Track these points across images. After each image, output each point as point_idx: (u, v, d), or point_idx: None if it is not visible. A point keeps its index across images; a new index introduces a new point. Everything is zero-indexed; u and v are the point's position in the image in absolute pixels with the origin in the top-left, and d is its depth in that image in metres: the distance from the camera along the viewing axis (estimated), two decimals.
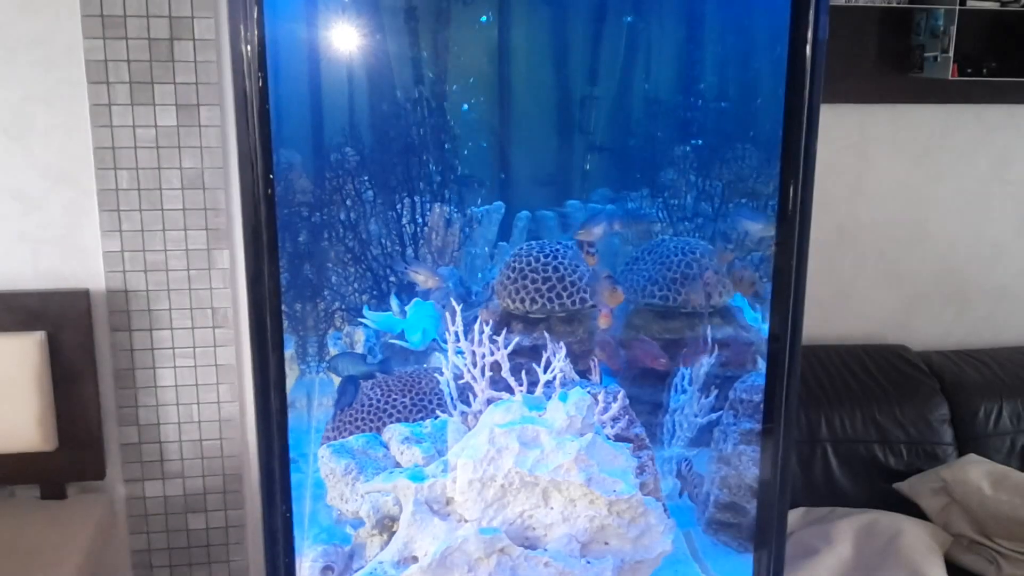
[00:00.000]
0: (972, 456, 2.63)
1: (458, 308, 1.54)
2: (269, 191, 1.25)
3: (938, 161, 2.90)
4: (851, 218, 2.89)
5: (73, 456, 2.57)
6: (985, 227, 2.98)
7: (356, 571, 1.41)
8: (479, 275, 1.97)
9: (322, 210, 1.91)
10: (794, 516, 2.51)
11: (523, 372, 1.51)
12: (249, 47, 1.30)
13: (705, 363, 1.77)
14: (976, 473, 2.51)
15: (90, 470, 2.61)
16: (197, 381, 2.64)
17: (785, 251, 1.45)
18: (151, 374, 2.61)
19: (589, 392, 1.43)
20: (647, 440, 1.65)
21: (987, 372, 2.85)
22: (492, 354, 1.51)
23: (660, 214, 2.04)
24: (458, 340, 1.55)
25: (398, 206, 1.96)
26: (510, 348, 1.50)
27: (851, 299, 2.96)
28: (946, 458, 2.70)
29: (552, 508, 1.35)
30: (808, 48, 1.46)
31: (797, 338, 1.42)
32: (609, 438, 1.48)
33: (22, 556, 2.27)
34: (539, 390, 1.51)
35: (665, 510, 1.39)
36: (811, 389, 2.72)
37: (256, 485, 2.72)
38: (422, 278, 1.81)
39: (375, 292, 1.92)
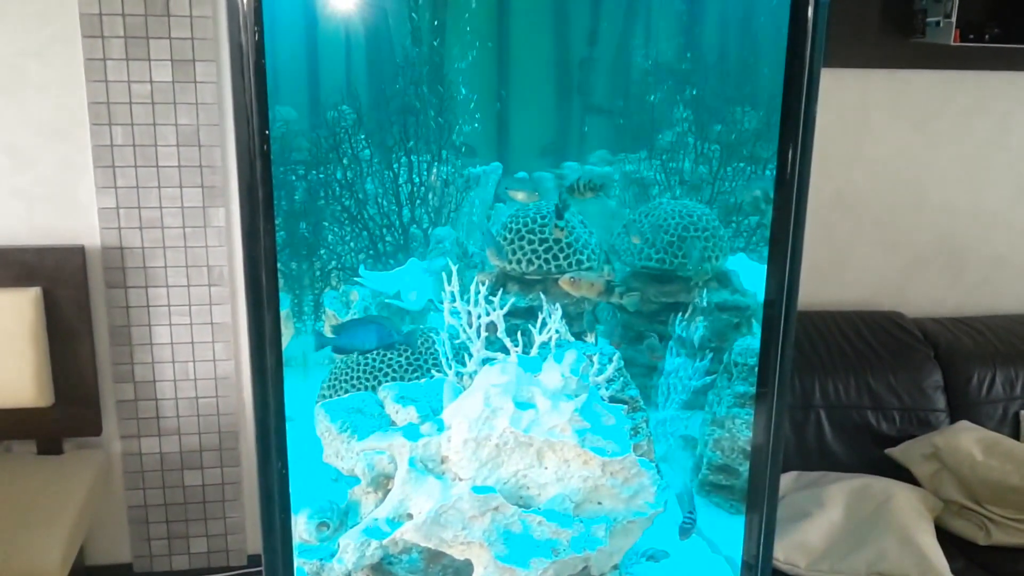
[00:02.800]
0: (964, 423, 2.64)
1: (454, 268, 1.54)
2: (265, 147, 1.24)
3: (937, 128, 2.89)
4: (849, 184, 2.88)
5: (69, 412, 2.58)
6: (983, 195, 2.98)
7: (351, 527, 1.42)
8: (476, 236, 1.96)
9: (318, 168, 1.90)
10: (786, 480, 2.52)
11: (519, 333, 1.51)
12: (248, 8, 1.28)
13: (700, 326, 1.77)
14: (968, 439, 2.52)
15: (86, 426, 2.62)
16: (193, 339, 2.64)
17: (783, 215, 1.44)
18: (147, 331, 2.62)
19: (584, 354, 1.44)
20: (641, 402, 1.66)
21: (981, 340, 2.85)
22: (488, 315, 1.51)
23: (658, 176, 2.03)
24: (454, 300, 1.55)
25: (395, 165, 1.95)
26: (506, 309, 1.50)
27: (847, 265, 2.96)
28: (938, 425, 2.71)
29: (546, 468, 1.36)
30: (810, 10, 1.45)
31: (792, 303, 1.41)
32: (603, 399, 1.49)
33: (19, 511, 2.28)
34: (534, 351, 1.51)
35: (658, 472, 1.40)
36: (806, 355, 2.72)
37: (252, 443, 2.74)
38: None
39: (371, 252, 1.91)
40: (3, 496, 2.35)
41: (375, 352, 1.69)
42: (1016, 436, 2.68)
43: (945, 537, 2.33)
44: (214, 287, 2.61)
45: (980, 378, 2.77)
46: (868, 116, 2.84)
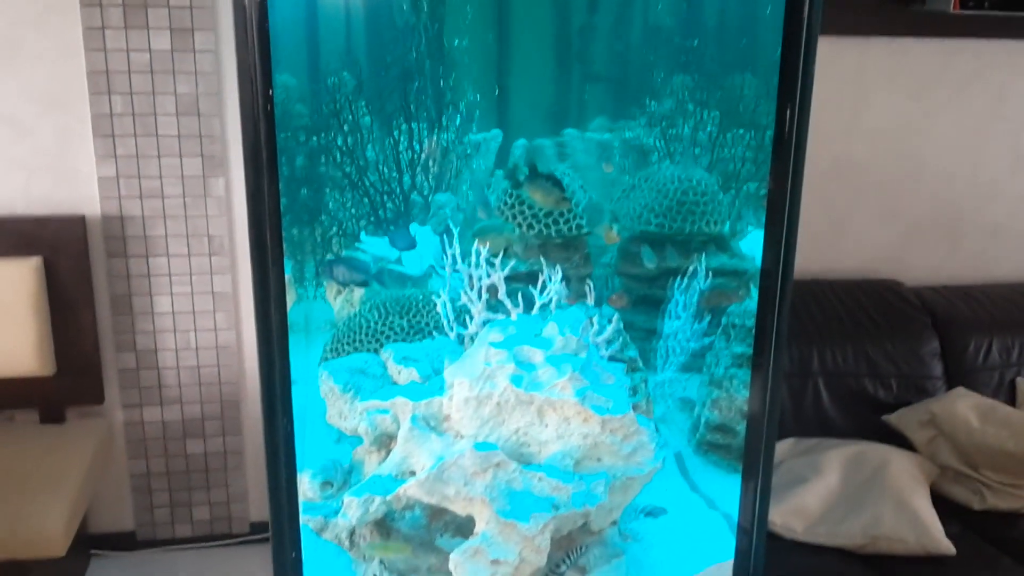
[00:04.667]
0: (961, 390, 2.66)
1: (455, 232, 1.55)
2: (268, 107, 1.24)
3: (936, 96, 2.89)
4: (847, 152, 2.88)
5: (71, 381, 2.60)
6: (981, 164, 2.98)
7: (354, 486, 1.44)
8: (476, 203, 1.97)
9: (319, 135, 1.90)
10: (784, 446, 2.54)
11: (519, 295, 1.52)
12: None
13: (699, 290, 1.78)
14: (964, 406, 2.54)
15: (88, 395, 2.64)
16: (194, 308, 2.65)
17: (779, 179, 1.44)
18: (148, 301, 2.63)
19: (585, 315, 1.45)
20: (640, 363, 1.67)
21: (979, 308, 2.87)
22: (489, 276, 1.52)
23: (657, 143, 2.03)
24: (455, 263, 1.56)
25: (395, 132, 1.95)
26: (507, 271, 1.51)
27: (845, 234, 2.97)
28: (935, 392, 2.73)
29: (547, 426, 1.38)
30: None
31: (789, 269, 1.42)
32: (603, 359, 1.50)
33: (22, 479, 2.30)
34: (535, 312, 1.53)
35: (657, 431, 1.42)
36: (803, 323, 2.74)
37: (254, 412, 2.76)
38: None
39: (372, 218, 1.92)
40: (6, 464, 2.37)
41: (377, 318, 1.70)
42: (1012, 403, 2.70)
43: (941, 502, 2.35)
44: (215, 256, 2.62)
45: (977, 346, 2.79)
46: (866, 85, 2.84)
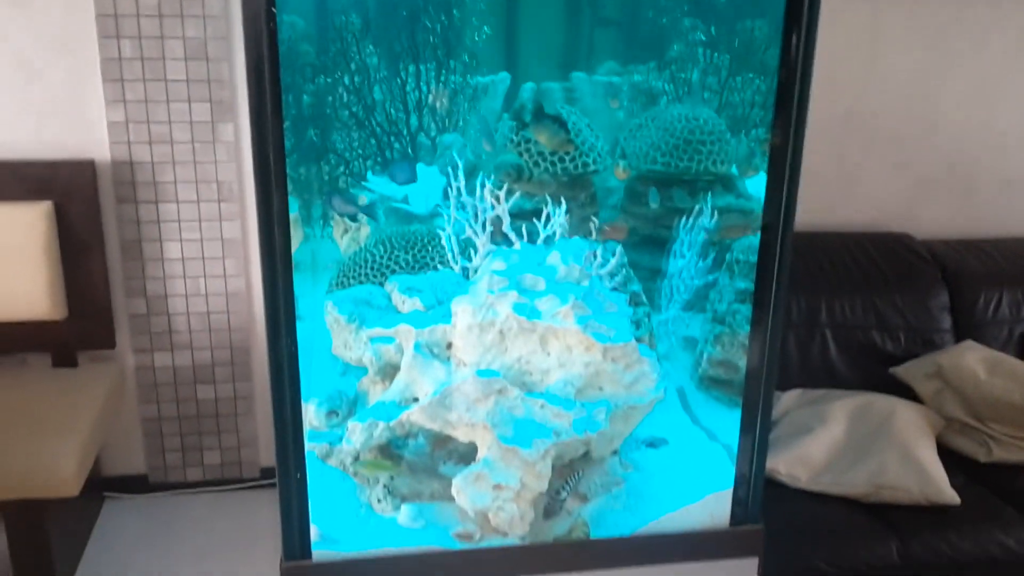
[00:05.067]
0: (969, 342, 2.65)
1: (460, 164, 1.55)
2: (272, 47, 1.24)
3: (950, 48, 2.85)
4: (860, 104, 2.86)
5: (83, 325, 2.62)
6: (995, 116, 2.95)
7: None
8: (481, 135, 1.96)
9: (326, 74, 1.90)
10: (790, 397, 2.55)
11: (523, 227, 1.52)
12: None
13: (704, 229, 1.78)
14: (972, 358, 2.54)
15: (100, 339, 2.66)
16: (204, 254, 2.66)
17: (784, 123, 1.42)
18: (157, 247, 2.64)
19: (588, 246, 1.45)
20: (644, 298, 1.68)
21: (989, 261, 2.85)
22: (493, 210, 1.52)
23: (667, 87, 2.02)
24: (460, 195, 1.56)
25: (402, 73, 1.94)
26: (511, 202, 1.51)
27: (857, 186, 2.95)
28: (943, 345, 2.73)
29: (549, 354, 1.38)
30: None
31: (791, 210, 1.41)
32: (606, 289, 1.50)
33: (35, 420, 2.33)
34: (539, 244, 1.53)
35: (659, 360, 1.42)
36: (813, 275, 2.73)
37: (264, 357, 2.78)
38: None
39: (379, 158, 1.92)
40: (19, 406, 2.40)
41: (383, 252, 1.71)
42: (1021, 356, 2.69)
43: (946, 454, 2.36)
44: (224, 203, 2.62)
45: (987, 299, 2.79)
46: (881, 35, 2.80)
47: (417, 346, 1.39)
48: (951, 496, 2.15)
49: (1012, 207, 3.05)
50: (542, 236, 1.51)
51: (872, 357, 2.72)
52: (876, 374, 2.69)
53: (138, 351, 2.74)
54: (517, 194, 1.55)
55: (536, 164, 1.75)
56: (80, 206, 2.52)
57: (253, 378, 2.81)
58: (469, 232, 1.56)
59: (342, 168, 1.90)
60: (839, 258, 2.80)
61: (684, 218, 1.80)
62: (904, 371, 2.64)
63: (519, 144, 1.79)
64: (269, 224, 1.28)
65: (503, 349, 1.38)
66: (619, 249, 1.57)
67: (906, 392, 2.58)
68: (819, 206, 2.91)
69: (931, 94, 2.88)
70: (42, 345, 2.62)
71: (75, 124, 2.51)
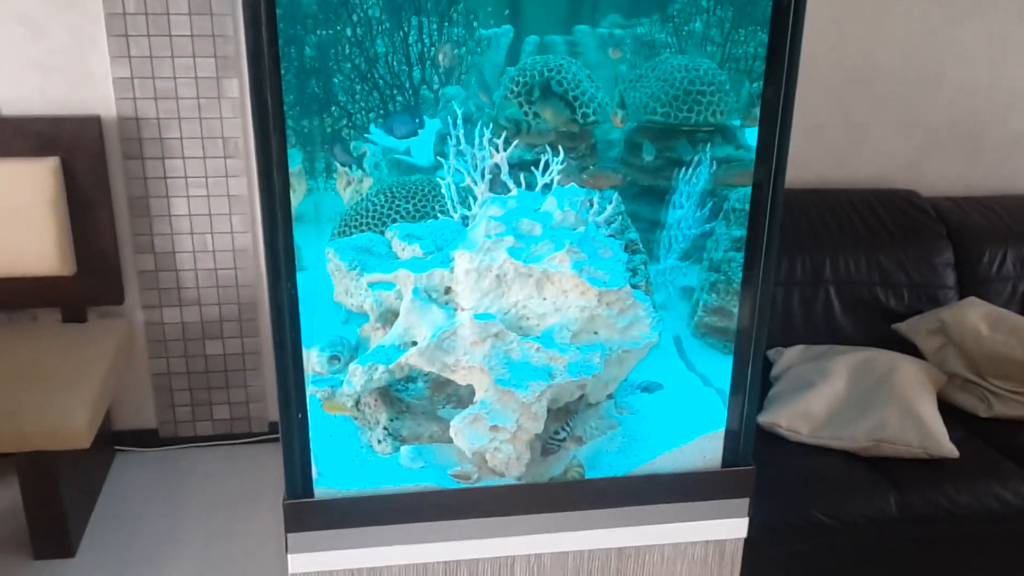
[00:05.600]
0: (972, 299, 2.66)
1: (459, 113, 1.56)
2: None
3: (958, 4, 2.82)
4: (867, 61, 2.84)
5: (91, 281, 2.66)
6: (1004, 72, 2.93)
7: None
8: (477, 87, 1.96)
9: (327, 26, 1.90)
10: (792, 353, 2.57)
11: (521, 176, 1.53)
12: None
13: (703, 179, 1.78)
14: (974, 315, 2.55)
15: (109, 295, 2.69)
16: (210, 211, 2.69)
17: (775, 67, 1.42)
18: (164, 203, 2.66)
19: (585, 194, 1.47)
20: (640, 246, 1.69)
21: (994, 218, 2.85)
22: (491, 157, 1.53)
23: (670, 39, 2.01)
24: (459, 144, 1.57)
25: (405, 25, 1.94)
26: (509, 150, 1.52)
27: (863, 143, 2.94)
28: (947, 302, 2.74)
29: (545, 298, 1.40)
30: None
31: (781, 169, 1.40)
32: (602, 234, 1.52)
33: (46, 374, 2.37)
34: (536, 190, 1.54)
35: (654, 306, 1.44)
36: (817, 232, 2.73)
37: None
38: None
39: (382, 111, 1.92)
40: (30, 361, 2.44)
41: (383, 201, 1.73)
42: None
43: (947, 409, 2.37)
44: (230, 159, 2.64)
45: (991, 256, 2.78)
46: None
47: (415, 291, 1.41)
48: (950, 449, 2.17)
49: (1018, 164, 3.04)
50: (540, 183, 1.52)
51: (875, 313, 2.73)
52: (879, 330, 2.70)
53: (147, 307, 2.77)
54: (516, 143, 1.56)
55: (536, 115, 1.75)
56: (86, 162, 2.54)
57: (261, 333, 2.84)
58: (468, 181, 1.57)
59: (345, 121, 1.90)
60: (844, 215, 2.80)
61: (684, 169, 1.81)
62: (907, 327, 2.65)
63: (519, 95, 1.79)
64: (269, 174, 1.29)
65: (500, 294, 1.40)
66: (615, 197, 1.58)
67: (909, 348, 2.59)
68: (825, 163, 2.91)
69: (938, 51, 2.86)
70: (51, 301, 2.66)
71: (80, 80, 2.53)
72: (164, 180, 2.64)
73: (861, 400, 2.30)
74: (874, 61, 2.84)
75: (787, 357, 2.55)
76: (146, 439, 2.92)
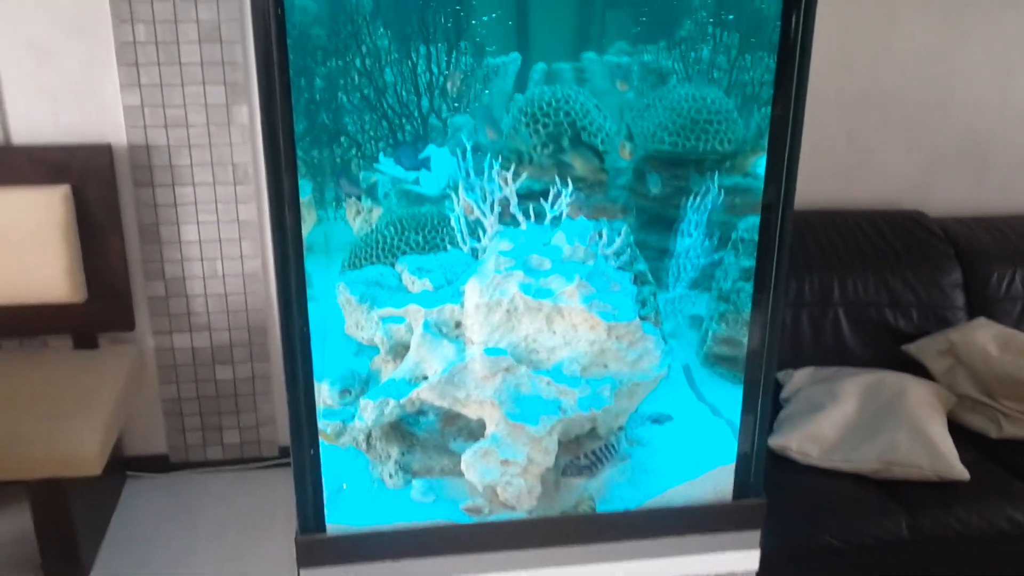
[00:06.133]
0: (981, 319, 2.66)
1: (468, 146, 1.57)
2: (280, 29, 1.26)
3: (966, 23, 2.83)
4: (874, 82, 2.85)
5: (102, 308, 2.67)
6: (1010, 93, 2.93)
7: None
8: (485, 123, 1.97)
9: (337, 57, 1.92)
10: (802, 375, 2.56)
11: (530, 208, 1.54)
12: None
13: (711, 208, 1.79)
14: (984, 335, 2.54)
15: (119, 321, 2.70)
16: (220, 237, 2.70)
17: (784, 90, 1.43)
18: (175, 229, 2.68)
19: (594, 226, 1.47)
20: (650, 277, 1.69)
21: (1002, 239, 2.85)
22: (501, 191, 1.54)
23: (676, 66, 2.02)
24: (469, 177, 1.58)
25: (413, 55, 1.96)
26: (518, 183, 1.53)
27: (871, 164, 2.94)
28: (956, 322, 2.73)
29: (555, 332, 1.41)
30: None
31: (791, 187, 1.41)
32: (611, 268, 1.52)
33: (57, 401, 2.38)
34: (545, 224, 1.55)
35: (663, 340, 1.44)
36: (826, 254, 2.74)
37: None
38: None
39: (391, 140, 1.94)
40: (42, 387, 2.45)
41: (394, 233, 1.74)
42: None
43: (958, 431, 2.37)
44: (239, 185, 2.65)
45: (1000, 276, 2.78)
46: (896, 10, 2.79)
47: (426, 325, 1.42)
48: (961, 472, 2.16)
49: None
50: (549, 217, 1.53)
51: (885, 335, 2.72)
52: (888, 352, 2.70)
53: (157, 333, 2.78)
54: (525, 175, 1.57)
55: (545, 145, 1.76)
56: (98, 190, 2.56)
57: (271, 358, 2.85)
58: (477, 213, 1.58)
59: (354, 151, 1.92)
60: (852, 236, 2.80)
61: (691, 197, 1.81)
62: (916, 348, 2.64)
63: (528, 124, 1.80)
64: (280, 206, 1.30)
65: (510, 328, 1.41)
66: (624, 228, 1.59)
67: (918, 369, 2.59)
68: (832, 184, 2.91)
69: (945, 71, 2.87)
70: (63, 328, 2.67)
71: (91, 108, 2.55)
72: (174, 207, 2.65)
73: (871, 422, 2.30)
74: (881, 83, 2.85)
75: (797, 379, 2.55)
76: (157, 464, 2.93)
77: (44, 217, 2.49)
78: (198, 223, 2.68)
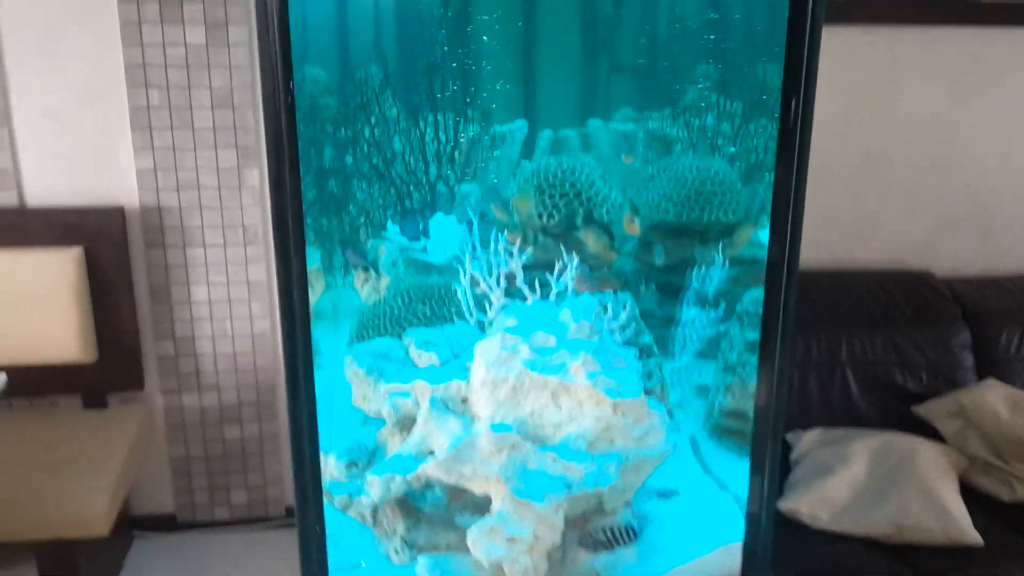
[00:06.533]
0: (991, 380, 2.64)
1: (475, 220, 1.59)
2: (289, 99, 1.29)
3: (968, 86, 2.86)
4: (878, 143, 2.87)
5: (112, 367, 2.68)
6: (1012, 153, 2.95)
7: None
8: (491, 200, 2.00)
9: (347, 127, 1.95)
10: (811, 437, 2.55)
11: (536, 282, 1.56)
12: None
13: (716, 278, 1.80)
14: (994, 397, 2.53)
15: (129, 381, 2.72)
16: (230, 297, 2.72)
17: (785, 166, 1.45)
18: (185, 290, 2.70)
19: (599, 301, 1.48)
20: (655, 349, 1.70)
21: (1010, 299, 2.84)
22: (507, 265, 1.56)
23: (681, 133, 2.05)
24: (475, 250, 1.60)
25: (422, 124, 1.99)
26: (524, 259, 1.55)
27: (877, 225, 2.96)
28: (965, 383, 2.72)
29: (560, 408, 1.41)
30: None
31: (795, 258, 1.43)
32: (616, 344, 1.53)
33: (66, 461, 2.39)
34: (551, 299, 1.56)
35: (671, 415, 1.45)
36: (833, 314, 2.73)
37: None
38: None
39: (399, 208, 1.96)
40: (51, 447, 2.46)
41: (401, 304, 1.75)
42: None
43: (969, 494, 2.34)
44: (249, 246, 2.68)
45: (1008, 337, 2.77)
46: (898, 74, 2.82)
47: (433, 401, 1.43)
48: (974, 537, 2.14)
49: None
50: (554, 291, 1.54)
51: (893, 395, 2.71)
52: (898, 413, 2.68)
53: (166, 392, 2.79)
54: (531, 249, 1.58)
55: (551, 216, 1.78)
56: (110, 251, 2.59)
57: (278, 418, 2.86)
58: (484, 286, 1.60)
59: (362, 218, 1.95)
60: (859, 296, 2.80)
61: (696, 267, 1.83)
62: (926, 410, 2.63)
63: (537, 186, 1.83)
64: (288, 278, 1.32)
65: (516, 404, 1.41)
66: (630, 302, 1.60)
67: (928, 431, 2.57)
68: (840, 245, 2.92)
69: (948, 133, 2.89)
70: (72, 387, 2.69)
71: (105, 171, 2.59)
72: (185, 268, 2.68)
73: (882, 485, 2.28)
74: (884, 145, 2.87)
75: (806, 441, 2.53)
76: (164, 524, 2.92)
77: (57, 278, 2.52)
78: (208, 283, 2.70)
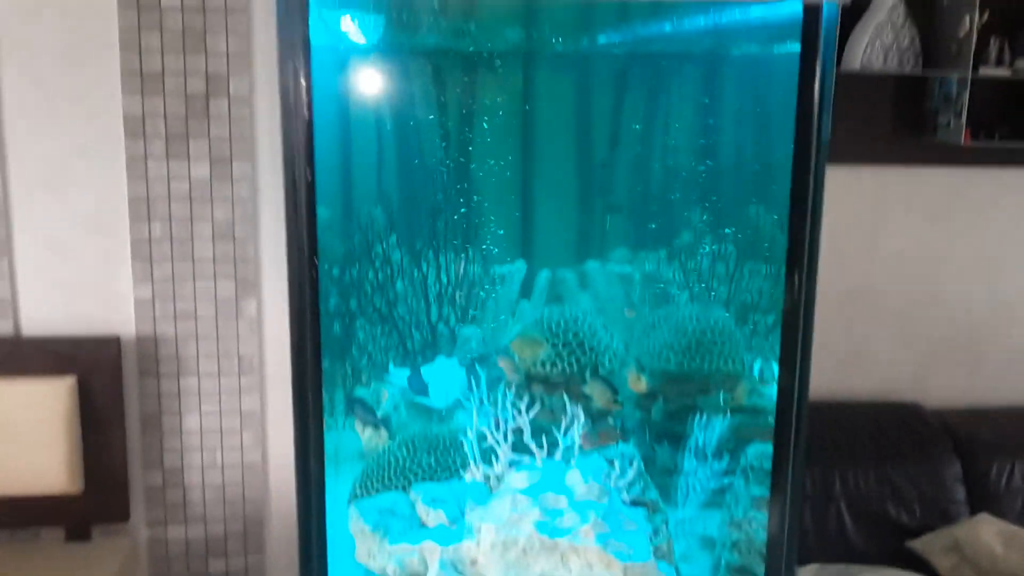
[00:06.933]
0: (984, 515, 2.65)
1: (482, 374, 1.60)
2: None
3: (952, 222, 2.95)
4: (866, 277, 2.93)
5: (98, 499, 2.63)
6: (998, 287, 3.02)
7: None
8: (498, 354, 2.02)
9: (352, 269, 1.98)
10: (808, 573, 2.53)
11: (543, 435, 1.56)
12: (301, 116, 1.37)
13: (718, 427, 1.81)
14: (988, 533, 2.53)
15: (115, 512, 2.66)
16: (222, 427, 2.69)
17: (792, 306, 1.49)
18: (176, 419, 2.67)
19: (605, 459, 1.49)
20: (661, 503, 1.70)
21: (1000, 431, 2.87)
22: (514, 419, 1.56)
23: (677, 276, 2.10)
24: (481, 403, 1.61)
25: (424, 266, 2.03)
26: (532, 415, 1.56)
27: (866, 357, 3.00)
28: (959, 516, 2.72)
29: (571, 571, 1.40)
30: (815, 110, 1.52)
31: (804, 396, 1.45)
32: (625, 503, 1.53)
33: None
34: (559, 455, 1.56)
35: (678, 573, 1.44)
36: (825, 446, 2.75)
37: (276, 530, 2.78)
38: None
39: (400, 349, 1.98)
40: None
41: (406, 454, 1.75)
42: None
43: None
44: (244, 376, 2.67)
45: (1000, 469, 2.79)
46: (884, 211, 2.91)
47: (442, 564, 1.41)
48: None
49: (1021, 376, 3.09)
50: (561, 448, 1.55)
51: (888, 529, 2.71)
52: (892, 546, 2.67)
53: (151, 524, 2.73)
54: (538, 407, 1.60)
55: (554, 364, 1.80)
56: (103, 381, 2.57)
57: (265, 550, 2.79)
58: (491, 440, 1.60)
59: (365, 360, 1.96)
60: (851, 429, 2.82)
61: (698, 415, 1.84)
62: (921, 545, 2.62)
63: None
64: (305, 418, 1.31)
65: (526, 566, 1.40)
66: (636, 459, 1.61)
67: (924, 565, 2.56)
68: (828, 376, 2.95)
69: (934, 267, 2.96)
70: (56, 519, 2.62)
71: (103, 301, 2.59)
72: (178, 397, 2.66)
73: None
74: (871, 279, 2.94)
75: None
76: None
77: (49, 408, 2.49)
78: (200, 412, 2.68)
